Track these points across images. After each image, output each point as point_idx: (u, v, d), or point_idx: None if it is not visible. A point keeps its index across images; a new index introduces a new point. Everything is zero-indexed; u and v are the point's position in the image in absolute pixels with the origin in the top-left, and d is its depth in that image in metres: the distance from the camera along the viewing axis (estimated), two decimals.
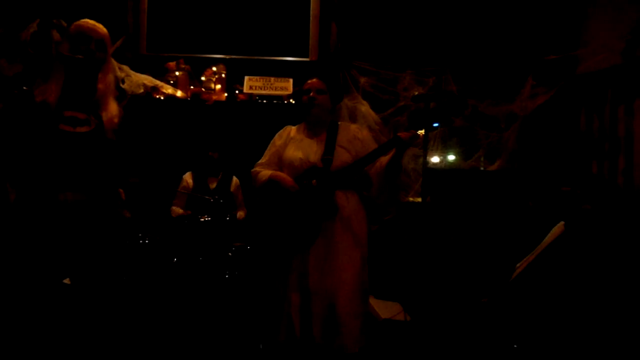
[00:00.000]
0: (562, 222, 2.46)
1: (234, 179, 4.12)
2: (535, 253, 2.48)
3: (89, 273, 2.02)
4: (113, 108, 2.08)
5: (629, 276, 2.31)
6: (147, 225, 3.59)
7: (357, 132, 2.57)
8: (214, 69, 4.48)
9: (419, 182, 3.95)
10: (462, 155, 4.25)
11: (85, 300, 2.02)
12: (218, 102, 4.41)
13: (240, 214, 4.02)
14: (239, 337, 3.07)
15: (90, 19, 2.10)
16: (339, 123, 2.62)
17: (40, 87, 1.99)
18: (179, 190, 3.95)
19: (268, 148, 2.65)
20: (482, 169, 4.22)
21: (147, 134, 4.20)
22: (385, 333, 3.15)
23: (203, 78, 4.47)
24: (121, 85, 4.08)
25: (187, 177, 4.02)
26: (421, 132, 2.37)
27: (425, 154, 2.42)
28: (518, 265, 2.57)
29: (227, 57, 4.62)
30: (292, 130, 2.65)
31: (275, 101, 4.44)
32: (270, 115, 4.32)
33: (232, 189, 4.07)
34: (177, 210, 3.93)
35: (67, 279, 2.10)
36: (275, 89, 4.46)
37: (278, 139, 2.64)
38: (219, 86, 4.45)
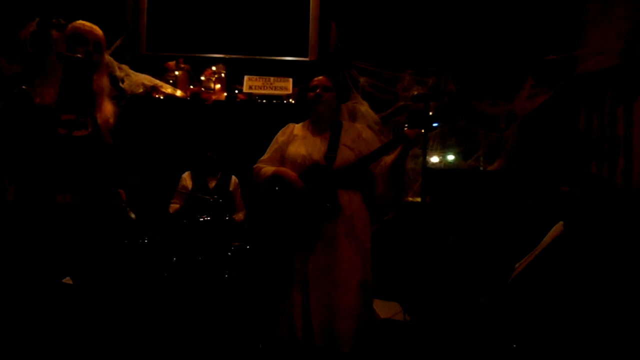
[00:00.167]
0: (561, 222, 2.46)
1: (233, 178, 4.12)
2: (535, 253, 2.48)
3: (88, 274, 2.02)
4: (108, 109, 2.08)
5: (628, 276, 2.31)
6: (146, 225, 3.59)
7: (362, 132, 2.56)
8: (214, 68, 4.48)
9: (419, 182, 3.95)
10: (462, 155, 4.26)
11: (84, 301, 2.02)
12: (217, 102, 4.41)
13: (239, 215, 4.01)
14: (239, 336, 3.07)
15: (90, 18, 2.09)
16: (343, 122, 2.60)
17: (38, 89, 1.99)
18: (178, 189, 3.95)
19: (271, 144, 2.63)
20: (481, 168, 4.23)
21: (147, 133, 4.21)
22: (385, 333, 3.15)
23: (203, 78, 4.47)
24: (121, 85, 4.08)
25: (186, 177, 4.02)
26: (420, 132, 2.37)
27: (425, 154, 2.42)
28: (517, 265, 2.57)
29: (227, 56, 4.62)
30: (295, 127, 2.63)
31: (274, 101, 4.44)
32: (270, 115, 4.32)
33: (231, 188, 4.07)
34: (175, 206, 3.94)
35: (67, 278, 2.10)
36: (275, 89, 4.46)
37: (281, 136, 2.63)
38: (218, 86, 4.45)
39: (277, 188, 2.47)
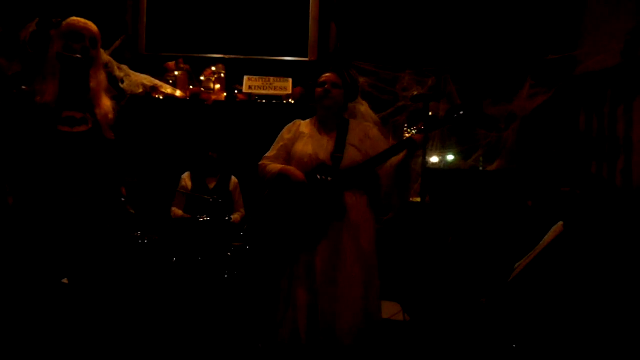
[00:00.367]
0: (561, 222, 2.46)
1: (233, 178, 4.11)
2: (534, 253, 2.48)
3: (88, 273, 2.02)
4: (106, 104, 2.08)
5: (628, 276, 2.31)
6: (146, 225, 3.59)
7: (369, 131, 2.54)
8: (214, 68, 4.48)
9: (418, 182, 3.95)
10: (461, 155, 4.26)
11: (84, 301, 2.02)
12: (217, 102, 4.41)
13: (236, 216, 3.99)
14: (238, 337, 3.07)
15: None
16: (350, 120, 2.58)
17: (38, 87, 1.99)
18: (178, 190, 3.95)
19: (276, 141, 2.60)
20: (481, 169, 4.23)
21: (146, 133, 4.21)
22: (384, 333, 3.15)
23: (202, 78, 4.47)
24: (120, 85, 4.08)
25: (186, 177, 4.01)
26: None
27: (425, 154, 2.42)
28: (517, 265, 2.57)
29: (227, 56, 4.62)
30: (302, 124, 2.60)
31: (274, 101, 4.44)
32: (270, 115, 4.32)
33: (230, 188, 4.07)
34: (177, 212, 3.93)
35: (67, 278, 2.10)
36: (275, 89, 4.46)
37: (287, 133, 2.59)
38: (218, 86, 4.45)
39: (281, 187, 2.45)
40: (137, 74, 4.22)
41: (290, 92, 4.43)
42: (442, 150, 4.27)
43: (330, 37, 4.62)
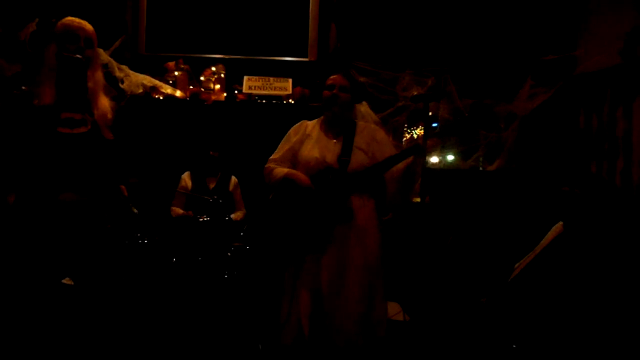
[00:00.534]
0: (561, 222, 2.47)
1: (233, 178, 4.11)
2: (534, 253, 2.49)
3: (89, 273, 2.02)
4: (104, 104, 2.07)
5: (628, 276, 2.31)
6: (146, 225, 3.59)
7: (376, 134, 2.52)
8: (213, 68, 4.48)
9: (418, 182, 3.95)
10: (461, 155, 4.26)
11: (85, 301, 2.02)
12: (217, 102, 4.41)
13: (238, 214, 4.00)
14: (238, 337, 3.07)
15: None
16: (358, 122, 2.56)
17: (36, 89, 1.98)
18: (178, 190, 3.95)
19: (282, 142, 2.57)
20: (481, 169, 4.23)
21: (146, 134, 4.20)
22: (380, 333, 3.14)
23: (202, 78, 4.47)
24: (120, 85, 4.08)
25: (186, 177, 4.01)
26: (420, 132, 2.37)
27: (425, 154, 2.42)
28: (517, 265, 2.57)
29: (227, 57, 4.62)
30: (308, 125, 2.57)
31: (274, 101, 4.44)
32: (270, 115, 4.32)
33: (230, 188, 4.07)
34: (177, 210, 3.93)
35: (66, 279, 2.10)
36: (275, 89, 4.46)
37: (294, 135, 2.56)
38: (218, 86, 4.45)
39: (287, 190, 2.43)
40: (137, 74, 4.22)
41: (290, 92, 4.43)
42: (442, 150, 4.27)
43: (330, 37, 4.62)
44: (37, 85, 1.99)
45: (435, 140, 2.31)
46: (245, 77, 4.47)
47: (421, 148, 2.29)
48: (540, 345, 2.38)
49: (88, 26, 2.05)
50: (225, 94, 4.45)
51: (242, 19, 4.67)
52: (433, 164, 4.26)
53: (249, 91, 4.44)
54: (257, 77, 4.48)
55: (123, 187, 2.24)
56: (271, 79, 4.48)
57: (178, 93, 4.38)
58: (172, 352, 2.87)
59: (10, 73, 3.73)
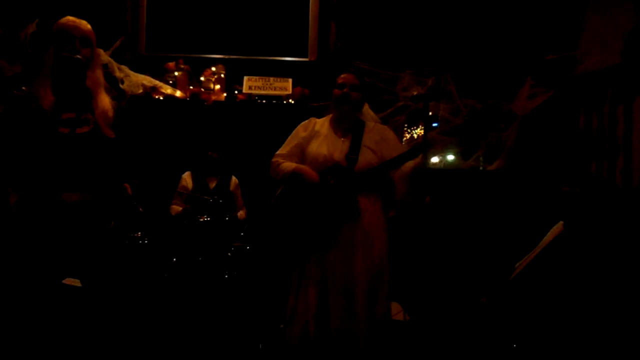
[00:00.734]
0: (561, 222, 2.46)
1: (233, 178, 4.12)
2: (535, 253, 2.49)
3: (93, 273, 2.02)
4: (105, 103, 2.06)
5: (628, 276, 2.31)
6: (146, 225, 3.59)
7: (385, 133, 2.52)
8: (213, 69, 4.48)
9: None
10: (461, 155, 4.26)
11: (88, 300, 2.02)
12: (217, 102, 4.41)
13: (241, 213, 4.03)
14: (238, 337, 3.07)
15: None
16: (366, 122, 2.56)
17: (36, 89, 1.98)
18: (178, 190, 3.95)
19: (290, 138, 2.56)
20: (481, 168, 4.23)
21: (147, 134, 4.20)
22: (384, 333, 3.14)
23: (202, 78, 4.47)
24: (120, 85, 4.08)
25: (186, 177, 4.02)
26: (420, 131, 2.37)
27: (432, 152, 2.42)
28: (517, 264, 2.57)
29: (227, 57, 4.62)
30: (317, 123, 2.57)
31: (274, 101, 4.44)
32: (270, 115, 4.32)
33: (231, 188, 4.07)
34: (177, 208, 3.94)
35: (67, 279, 2.10)
36: (275, 89, 4.46)
37: (302, 131, 2.55)
38: (218, 86, 4.45)
39: (296, 186, 2.41)
40: (137, 74, 4.22)
41: (290, 92, 4.43)
42: (442, 150, 4.27)
43: (330, 37, 4.61)
44: (37, 86, 1.98)
45: (445, 139, 2.30)
46: (245, 77, 4.47)
47: (430, 145, 2.28)
48: (541, 345, 2.38)
49: (84, 25, 2.03)
50: (225, 94, 4.45)
51: (242, 19, 4.66)
52: (433, 164, 4.26)
53: (249, 91, 4.44)
54: (257, 77, 4.48)
55: (127, 185, 2.24)
56: (271, 79, 4.47)
57: (178, 93, 4.38)
58: (172, 352, 2.87)
59: (10, 73, 3.73)
